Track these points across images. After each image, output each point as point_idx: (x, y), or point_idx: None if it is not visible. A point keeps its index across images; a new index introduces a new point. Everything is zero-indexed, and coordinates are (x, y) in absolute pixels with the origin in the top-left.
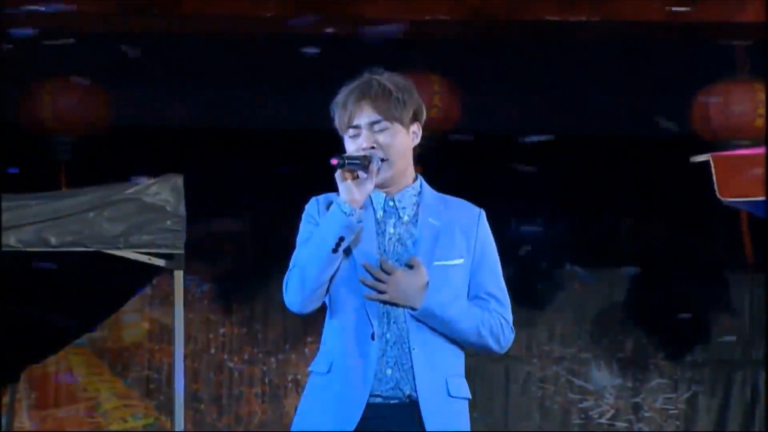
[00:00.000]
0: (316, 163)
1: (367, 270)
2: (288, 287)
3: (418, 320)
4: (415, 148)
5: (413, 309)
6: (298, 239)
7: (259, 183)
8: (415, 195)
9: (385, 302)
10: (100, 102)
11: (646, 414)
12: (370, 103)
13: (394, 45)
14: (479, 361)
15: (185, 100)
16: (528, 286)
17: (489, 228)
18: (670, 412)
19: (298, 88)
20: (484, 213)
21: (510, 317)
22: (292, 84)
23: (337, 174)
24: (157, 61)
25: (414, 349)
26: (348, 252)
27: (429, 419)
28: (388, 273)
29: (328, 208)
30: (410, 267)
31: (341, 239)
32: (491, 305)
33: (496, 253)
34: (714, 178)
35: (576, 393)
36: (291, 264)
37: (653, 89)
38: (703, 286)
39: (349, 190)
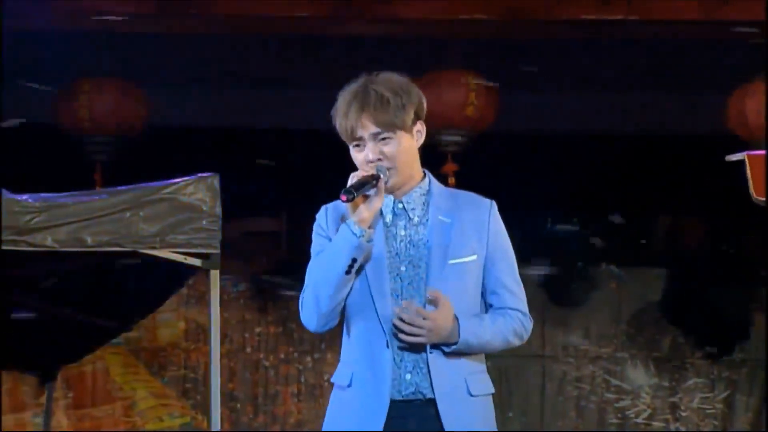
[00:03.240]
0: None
1: (400, 317)
2: (304, 307)
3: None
4: (424, 145)
5: (451, 344)
6: (312, 251)
7: (294, 182)
8: (423, 194)
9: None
10: (136, 102)
11: (683, 414)
12: (370, 116)
13: (429, 44)
14: (515, 361)
15: (221, 99)
16: (564, 285)
17: (500, 219)
18: (708, 411)
19: (333, 88)
20: (495, 205)
21: (526, 308)
22: (327, 84)
23: (350, 203)
24: (193, 61)
25: (431, 352)
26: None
27: (449, 421)
28: (423, 317)
29: (338, 219)
30: (431, 301)
31: (354, 260)
32: (508, 301)
33: (510, 244)
34: (749, 176)
35: (612, 392)
36: (305, 282)
37: (690, 88)
38: (740, 284)
39: (358, 211)
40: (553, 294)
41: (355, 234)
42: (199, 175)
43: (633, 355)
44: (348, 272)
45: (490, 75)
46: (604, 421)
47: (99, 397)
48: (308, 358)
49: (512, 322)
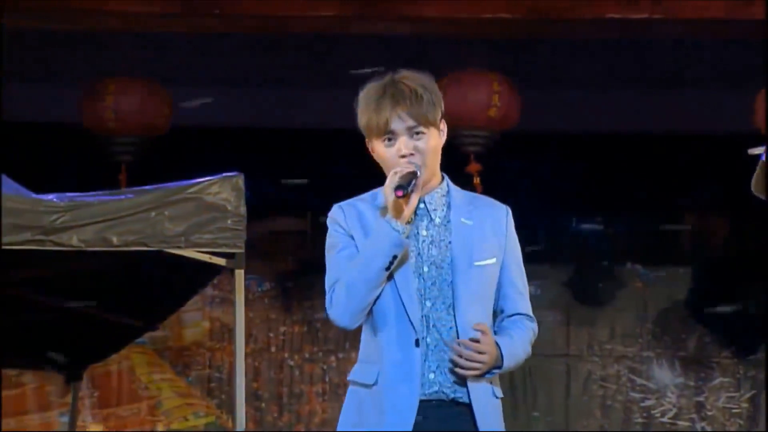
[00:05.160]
0: (375, 162)
1: (458, 351)
2: (334, 304)
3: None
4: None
5: (497, 368)
6: (331, 248)
7: (318, 182)
8: (443, 196)
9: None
10: (161, 102)
11: (709, 413)
12: (406, 109)
13: (453, 44)
14: (540, 361)
15: (246, 99)
16: (589, 284)
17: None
18: (733, 411)
19: (357, 88)
20: (510, 211)
21: (531, 309)
22: (351, 83)
23: (394, 199)
24: (218, 60)
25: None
26: None
27: (482, 421)
28: (481, 351)
29: (356, 217)
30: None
31: (395, 257)
32: (519, 304)
33: (520, 249)
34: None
35: (638, 392)
36: (332, 278)
37: (715, 86)
38: (766, 283)
39: (399, 207)
40: (579, 293)
41: (397, 231)
42: (224, 174)
43: (658, 354)
44: (388, 269)
45: (514, 74)
46: (629, 420)
47: (124, 396)
48: (333, 358)
49: (528, 333)
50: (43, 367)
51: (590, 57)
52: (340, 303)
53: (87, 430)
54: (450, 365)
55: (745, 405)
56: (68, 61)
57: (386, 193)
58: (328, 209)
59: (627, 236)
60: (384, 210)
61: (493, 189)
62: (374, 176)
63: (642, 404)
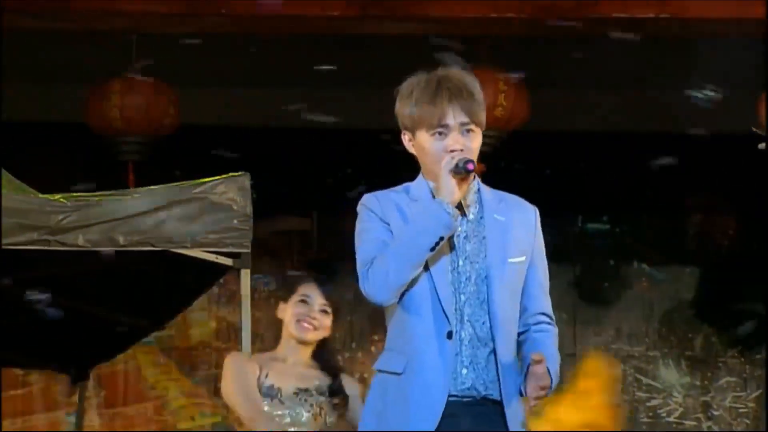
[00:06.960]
0: (383, 162)
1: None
2: (371, 279)
3: (498, 323)
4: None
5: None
6: (364, 230)
7: (325, 182)
8: (475, 192)
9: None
10: (167, 101)
11: (715, 412)
12: (462, 104)
13: (459, 43)
14: None
15: (252, 99)
16: (595, 284)
17: None
18: (740, 410)
19: (364, 88)
20: (538, 211)
21: (551, 309)
22: (357, 83)
23: (451, 177)
24: (225, 60)
25: (499, 351)
26: None
27: (512, 420)
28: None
29: (389, 205)
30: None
31: (441, 238)
32: (544, 304)
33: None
34: None
35: (644, 391)
36: (368, 255)
37: (722, 86)
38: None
39: (454, 191)
40: (585, 293)
41: (449, 212)
42: (230, 174)
43: (665, 354)
44: (433, 249)
45: (521, 74)
46: (635, 419)
47: (131, 396)
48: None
49: (555, 339)
50: (50, 367)
51: (597, 57)
52: (378, 278)
53: (93, 429)
54: (483, 362)
55: (751, 405)
56: (74, 60)
57: (442, 174)
58: (333, 209)
59: (633, 236)
60: (434, 193)
61: (499, 188)
62: (379, 176)
63: (648, 404)
